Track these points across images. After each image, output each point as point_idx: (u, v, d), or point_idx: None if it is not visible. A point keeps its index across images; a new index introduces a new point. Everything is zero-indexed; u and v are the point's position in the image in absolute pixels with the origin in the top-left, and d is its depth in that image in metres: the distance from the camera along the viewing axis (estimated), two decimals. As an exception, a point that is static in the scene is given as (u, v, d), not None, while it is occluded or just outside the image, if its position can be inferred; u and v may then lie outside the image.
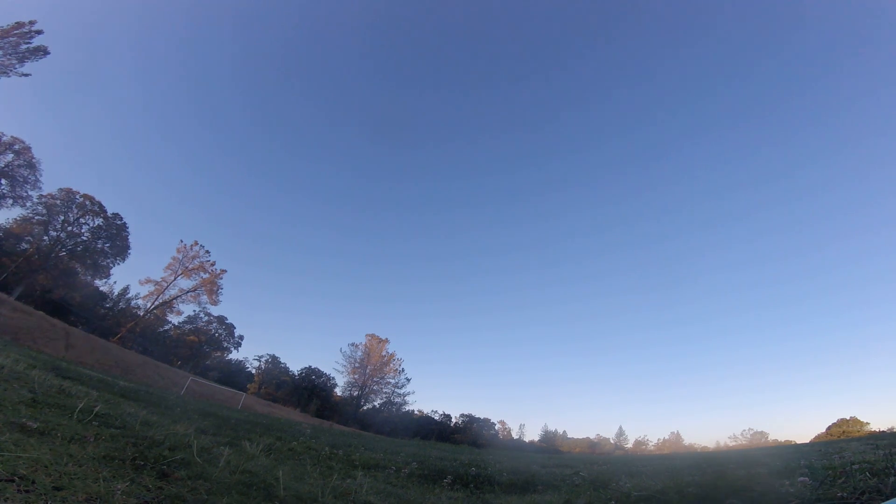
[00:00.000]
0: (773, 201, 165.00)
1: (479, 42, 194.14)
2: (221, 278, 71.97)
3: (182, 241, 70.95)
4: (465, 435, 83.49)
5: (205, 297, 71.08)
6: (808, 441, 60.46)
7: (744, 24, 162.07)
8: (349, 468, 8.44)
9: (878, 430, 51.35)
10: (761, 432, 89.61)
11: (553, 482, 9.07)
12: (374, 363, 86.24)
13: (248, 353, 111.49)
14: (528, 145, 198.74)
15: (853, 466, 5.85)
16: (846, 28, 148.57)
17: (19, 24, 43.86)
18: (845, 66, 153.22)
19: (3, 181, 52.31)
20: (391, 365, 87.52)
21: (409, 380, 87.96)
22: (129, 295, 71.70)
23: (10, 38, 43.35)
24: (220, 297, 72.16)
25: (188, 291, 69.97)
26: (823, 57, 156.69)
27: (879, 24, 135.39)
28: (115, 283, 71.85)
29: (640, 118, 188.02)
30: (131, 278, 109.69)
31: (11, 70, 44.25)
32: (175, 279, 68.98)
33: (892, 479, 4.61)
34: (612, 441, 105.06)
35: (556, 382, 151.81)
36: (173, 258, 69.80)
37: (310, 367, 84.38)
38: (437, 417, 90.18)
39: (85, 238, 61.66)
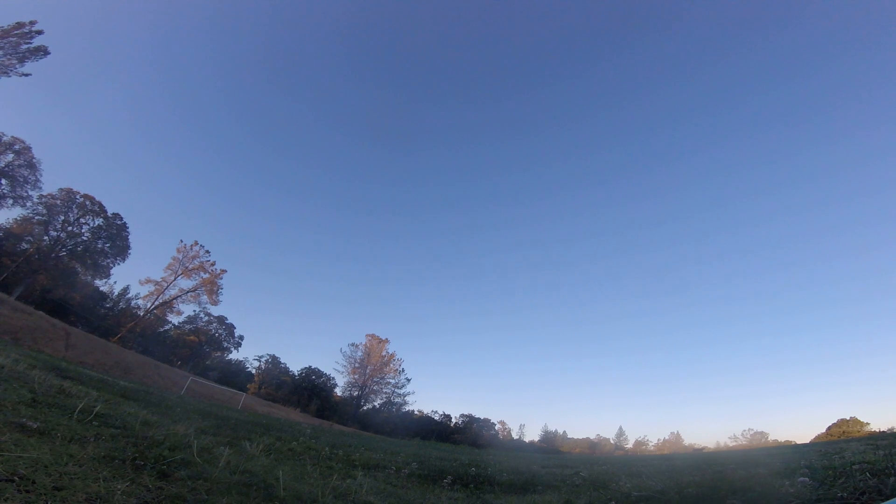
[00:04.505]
0: (773, 210, 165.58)
1: (481, 47, 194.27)
2: (221, 278, 71.97)
3: (182, 242, 70.96)
4: (465, 435, 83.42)
5: (205, 297, 71.08)
6: (808, 441, 60.44)
7: (756, 33, 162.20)
8: (349, 468, 8.43)
9: (878, 431, 51.36)
10: (761, 432, 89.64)
11: (553, 482, 9.06)
12: (374, 363, 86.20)
13: (248, 354, 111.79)
14: (530, 148, 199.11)
15: (853, 467, 5.85)
16: (863, 45, 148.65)
17: (19, 24, 43.84)
18: (856, 83, 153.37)
19: (4, 181, 52.29)
20: (391, 365, 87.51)
21: (409, 380, 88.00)
22: (130, 295, 71.76)
23: (11, 38, 43.33)
24: (221, 298, 72.17)
25: (188, 291, 69.96)
26: (834, 73, 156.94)
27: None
28: (115, 283, 71.96)
29: (645, 125, 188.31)
30: (131, 278, 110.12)
31: (11, 70, 44.22)
32: (175, 279, 68.97)
33: (892, 479, 4.60)
34: (612, 441, 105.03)
35: (556, 383, 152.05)
36: (173, 258, 69.81)
37: (310, 367, 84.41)
38: (437, 417, 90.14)
39: (85, 238, 61.63)
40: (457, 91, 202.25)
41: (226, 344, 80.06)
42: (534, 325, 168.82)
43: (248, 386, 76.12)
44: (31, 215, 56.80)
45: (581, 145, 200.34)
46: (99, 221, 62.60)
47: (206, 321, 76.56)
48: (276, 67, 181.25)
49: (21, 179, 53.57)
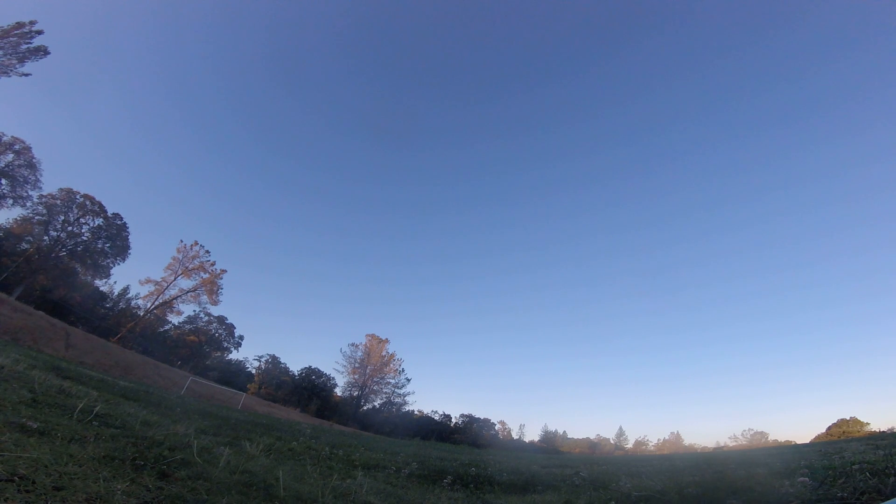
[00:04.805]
0: (773, 210, 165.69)
1: (481, 47, 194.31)
2: (221, 278, 71.96)
3: (182, 242, 70.96)
4: (465, 435, 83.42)
5: (205, 297, 71.06)
6: (808, 441, 60.45)
7: (756, 33, 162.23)
8: (349, 468, 8.43)
9: (878, 431, 51.37)
10: (761, 432, 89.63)
11: (553, 482, 9.06)
12: (374, 363, 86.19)
13: (248, 354, 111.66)
14: (530, 148, 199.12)
15: (853, 467, 5.85)
16: (863, 45, 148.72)
17: (19, 24, 43.84)
18: (856, 84, 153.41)
19: (4, 181, 52.29)
20: (391, 365, 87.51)
21: (409, 380, 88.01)
22: (130, 295, 71.76)
23: (11, 38, 43.33)
24: (221, 298, 72.15)
25: (188, 291, 69.95)
26: (834, 74, 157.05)
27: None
28: (115, 283, 71.98)
29: (645, 125, 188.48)
30: (131, 278, 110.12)
31: (11, 70, 44.22)
32: (175, 279, 68.96)
33: (892, 479, 4.61)
34: (612, 441, 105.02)
35: (556, 383, 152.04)
36: (173, 258, 69.80)
37: (310, 367, 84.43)
38: (437, 417, 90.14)
39: (85, 238, 61.63)
40: (457, 91, 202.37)
41: (226, 344, 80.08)
42: (534, 325, 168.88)
43: (248, 386, 76.13)
44: (31, 215, 56.81)
45: (581, 145, 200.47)
46: (99, 221, 62.61)
47: (206, 321, 76.59)
48: (276, 67, 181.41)
49: (21, 179, 53.57)
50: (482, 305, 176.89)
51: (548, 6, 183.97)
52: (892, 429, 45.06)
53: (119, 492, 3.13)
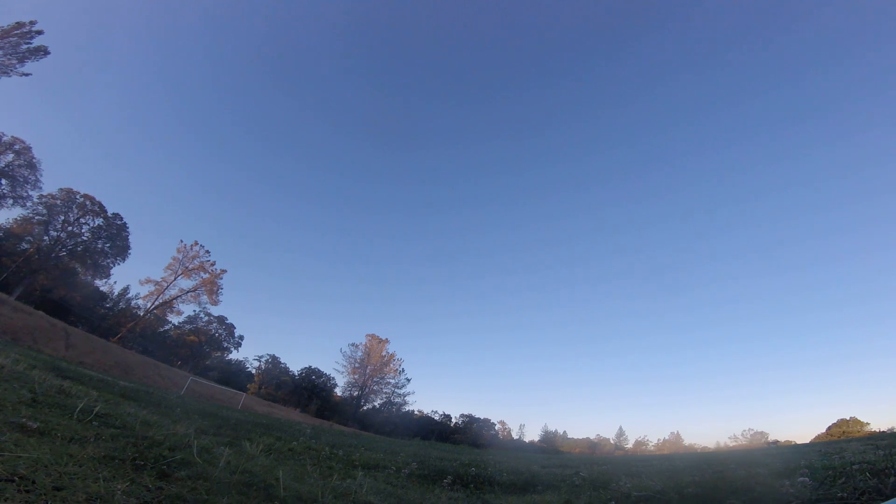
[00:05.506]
0: (774, 211, 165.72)
1: (481, 47, 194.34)
2: (221, 278, 71.98)
3: (182, 242, 70.99)
4: (465, 435, 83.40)
5: (205, 297, 71.08)
6: (808, 441, 60.43)
7: (756, 34, 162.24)
8: (349, 468, 8.43)
9: (878, 431, 51.32)
10: (761, 432, 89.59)
11: (553, 482, 9.06)
12: (374, 363, 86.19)
13: (248, 354, 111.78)
14: (530, 149, 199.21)
15: (853, 467, 5.85)
16: (864, 46, 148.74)
17: (19, 24, 43.85)
18: (857, 85, 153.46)
19: (4, 181, 52.28)
20: (391, 365, 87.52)
21: (409, 380, 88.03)
22: (130, 295, 71.76)
23: (11, 38, 43.34)
24: (221, 298, 72.19)
25: (188, 291, 69.95)
26: (835, 75, 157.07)
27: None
28: (115, 283, 72.00)
29: (645, 125, 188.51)
30: (131, 278, 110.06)
31: (12, 70, 44.24)
32: (175, 279, 68.97)
33: (892, 479, 4.61)
34: (612, 441, 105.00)
35: (556, 383, 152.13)
36: (173, 258, 69.82)
37: (310, 367, 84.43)
38: (437, 417, 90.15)
39: (85, 238, 61.63)
40: (457, 91, 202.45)
41: (226, 344, 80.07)
42: (534, 325, 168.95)
43: (248, 386, 76.14)
44: (31, 215, 56.81)
45: (581, 145, 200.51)
46: (99, 221, 62.61)
47: (206, 321, 76.58)
48: (277, 67, 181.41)
49: (21, 179, 53.57)
50: (482, 305, 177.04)
51: (548, 6, 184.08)
52: (892, 429, 45.03)
53: (119, 492, 3.13)
